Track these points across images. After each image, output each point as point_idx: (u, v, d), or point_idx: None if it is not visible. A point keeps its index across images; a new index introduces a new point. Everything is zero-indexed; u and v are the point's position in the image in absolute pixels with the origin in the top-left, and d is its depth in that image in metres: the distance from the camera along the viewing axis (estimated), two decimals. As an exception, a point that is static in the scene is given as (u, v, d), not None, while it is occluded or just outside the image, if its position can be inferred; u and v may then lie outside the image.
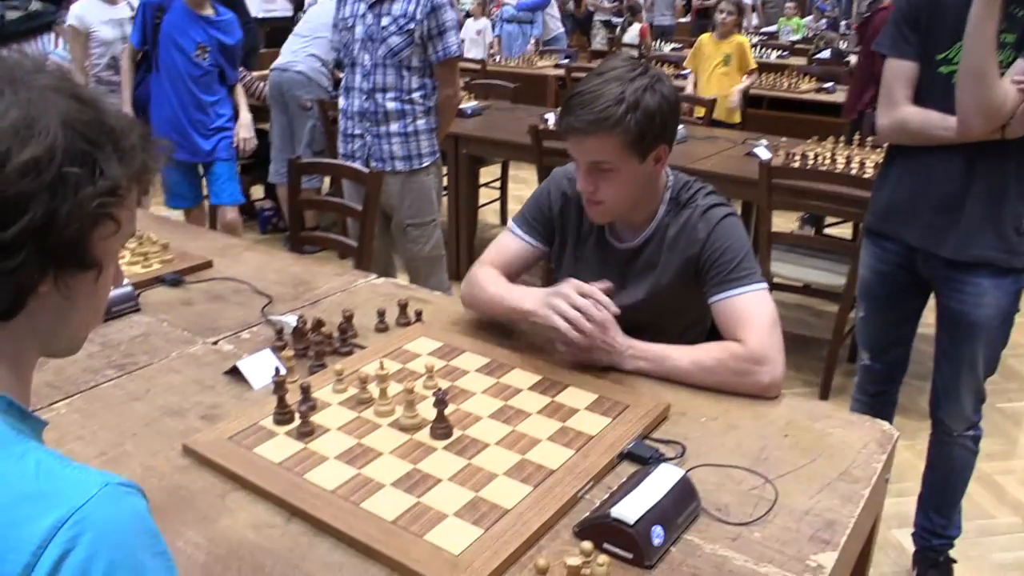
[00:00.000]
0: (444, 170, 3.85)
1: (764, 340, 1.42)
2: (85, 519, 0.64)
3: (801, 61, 6.80)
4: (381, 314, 1.71)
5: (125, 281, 1.84)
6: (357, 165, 2.83)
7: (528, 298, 1.52)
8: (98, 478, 0.67)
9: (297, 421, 1.31)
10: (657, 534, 1.04)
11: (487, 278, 1.67)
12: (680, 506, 1.10)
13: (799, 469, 1.23)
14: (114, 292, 1.80)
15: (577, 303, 1.44)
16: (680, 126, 3.81)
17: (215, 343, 1.67)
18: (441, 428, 1.29)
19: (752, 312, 1.46)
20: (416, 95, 2.87)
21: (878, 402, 2.23)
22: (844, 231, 4.33)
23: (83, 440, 1.32)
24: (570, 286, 1.46)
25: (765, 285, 1.50)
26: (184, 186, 3.77)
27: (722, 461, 1.25)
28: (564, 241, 1.73)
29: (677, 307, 1.63)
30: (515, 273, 1.76)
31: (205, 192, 3.89)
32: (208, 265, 2.08)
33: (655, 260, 1.61)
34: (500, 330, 1.69)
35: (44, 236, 0.68)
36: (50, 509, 0.64)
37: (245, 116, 3.80)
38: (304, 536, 1.10)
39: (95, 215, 0.71)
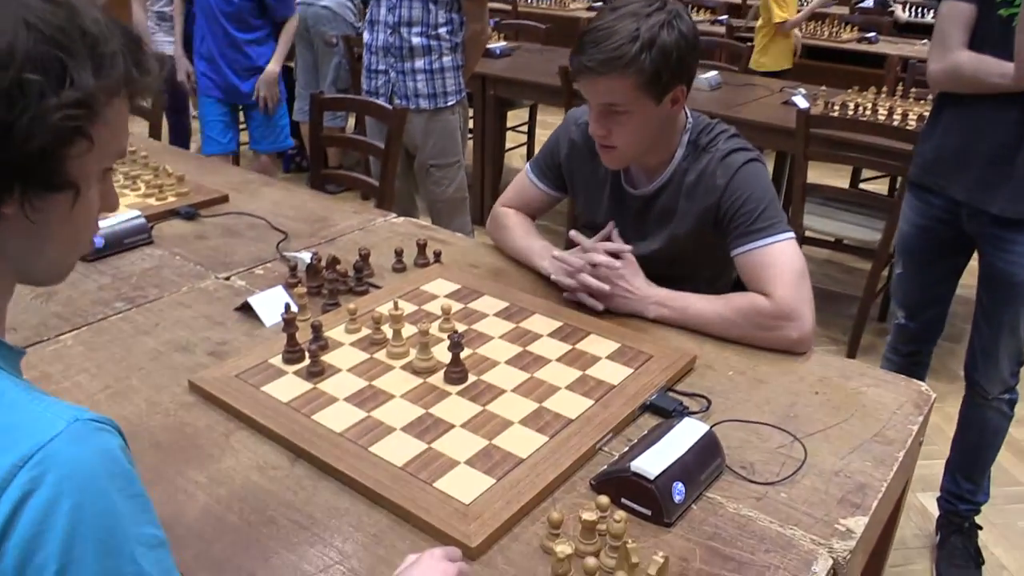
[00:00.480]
0: (470, 112, 3.76)
1: (792, 293, 1.35)
2: (50, 457, 0.59)
3: (843, 10, 6.53)
4: (399, 253, 1.65)
5: (138, 213, 1.79)
6: (380, 102, 2.75)
7: (546, 258, 1.57)
8: (67, 413, 0.62)
9: (307, 360, 1.27)
10: (678, 490, 0.99)
11: (513, 224, 1.70)
12: (703, 462, 1.04)
13: (830, 428, 1.17)
14: (127, 224, 1.77)
15: (587, 257, 1.45)
16: (714, 72, 3.72)
17: (227, 278, 1.62)
18: (456, 372, 1.24)
19: (778, 264, 1.38)
20: (442, 30, 2.77)
21: (910, 362, 2.15)
22: (880, 187, 4.19)
23: (88, 373, 1.29)
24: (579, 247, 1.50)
25: (791, 234, 1.41)
26: (218, 128, 3.50)
27: (749, 417, 1.19)
28: (577, 189, 1.68)
29: (697, 258, 1.56)
30: (536, 214, 1.76)
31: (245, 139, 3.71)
32: (224, 200, 2.03)
33: (672, 208, 1.53)
34: (521, 274, 1.63)
35: (2, 149, 0.61)
36: (13, 445, 0.59)
37: (270, 68, 3.39)
38: (309, 479, 1.06)
39: (62, 129, 0.63)
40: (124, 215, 1.78)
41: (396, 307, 1.32)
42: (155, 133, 3.05)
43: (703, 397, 1.23)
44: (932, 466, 2.30)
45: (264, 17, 3.38)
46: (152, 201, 1.97)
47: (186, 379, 1.26)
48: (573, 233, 1.55)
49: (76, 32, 0.64)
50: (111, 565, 0.60)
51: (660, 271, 1.50)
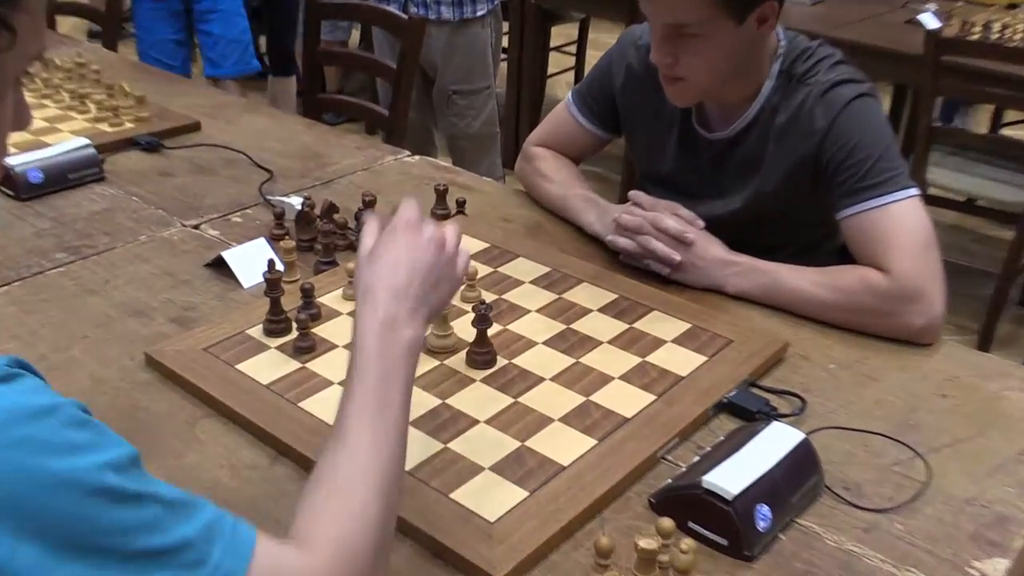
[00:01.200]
0: (505, 27, 3.72)
1: (916, 267, 1.31)
2: None
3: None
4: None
5: (86, 141, 1.79)
6: (393, 9, 2.71)
7: (593, 212, 1.57)
8: None
9: (294, 333, 1.27)
10: (763, 515, 0.96)
11: (550, 168, 1.69)
12: (796, 481, 1.02)
13: (961, 443, 1.14)
14: (73, 154, 1.77)
15: (652, 217, 1.43)
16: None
17: (196, 227, 1.63)
18: (481, 354, 1.22)
19: (898, 230, 1.34)
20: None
21: (1060, 359, 2.10)
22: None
23: (20, 340, 1.30)
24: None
25: (915, 191, 1.37)
26: (168, 49, 3.37)
27: (855, 424, 1.16)
28: (634, 130, 1.65)
29: (790, 221, 1.53)
30: (578, 157, 1.74)
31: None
32: (195, 128, 2.04)
33: (757, 156, 1.49)
34: (566, 231, 1.61)
35: None
36: None
37: None
38: (292, 483, 1.05)
39: None
40: (69, 143, 1.79)
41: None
42: (110, 43, 3.05)
43: (796, 396, 1.21)
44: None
45: None
46: (105, 127, 1.98)
47: (142, 351, 1.26)
48: (634, 193, 1.51)
49: None
50: (87, 503, 0.63)
51: (742, 236, 1.47)
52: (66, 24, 3.28)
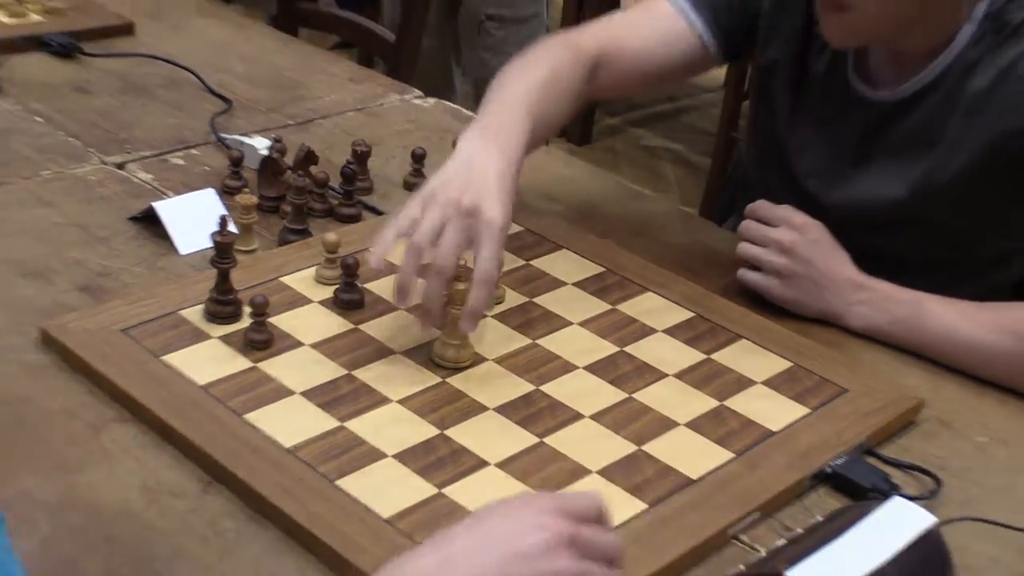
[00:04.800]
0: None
1: None
2: None
3: None
4: (417, 158, 1.68)
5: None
6: None
7: (470, 133, 1.41)
8: None
9: (246, 321, 1.31)
10: (865, 630, 1.00)
11: (533, 57, 1.58)
12: (916, 584, 1.05)
13: None
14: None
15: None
16: None
17: (121, 165, 1.68)
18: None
19: None
20: None
21: None
22: None
23: None
24: None
25: None
26: None
27: (1008, 518, 1.19)
28: (768, 67, 1.66)
29: (964, 228, 1.55)
30: (637, 77, 1.70)
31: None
32: (128, 30, 2.10)
33: (937, 130, 1.52)
34: (636, 218, 1.64)
35: None
36: None
37: None
38: (231, 519, 1.09)
39: None
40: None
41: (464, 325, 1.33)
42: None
43: (928, 475, 1.24)
44: None
45: None
46: (2, 18, 2.03)
47: (37, 325, 1.30)
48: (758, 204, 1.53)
49: None
50: None
51: (887, 244, 1.51)
52: None
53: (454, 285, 1.31)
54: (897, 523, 1.08)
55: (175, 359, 1.26)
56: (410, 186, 1.67)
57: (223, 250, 1.32)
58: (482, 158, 1.33)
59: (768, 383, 1.33)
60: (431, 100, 1.99)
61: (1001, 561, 1.15)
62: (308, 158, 1.60)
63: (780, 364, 1.36)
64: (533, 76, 1.49)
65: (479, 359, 1.30)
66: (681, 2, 1.64)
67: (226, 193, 1.56)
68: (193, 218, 1.50)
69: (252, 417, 1.19)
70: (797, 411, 1.29)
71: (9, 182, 1.60)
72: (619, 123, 4.52)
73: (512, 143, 1.36)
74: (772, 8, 1.63)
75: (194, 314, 1.33)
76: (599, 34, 1.63)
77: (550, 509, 0.88)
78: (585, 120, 4.19)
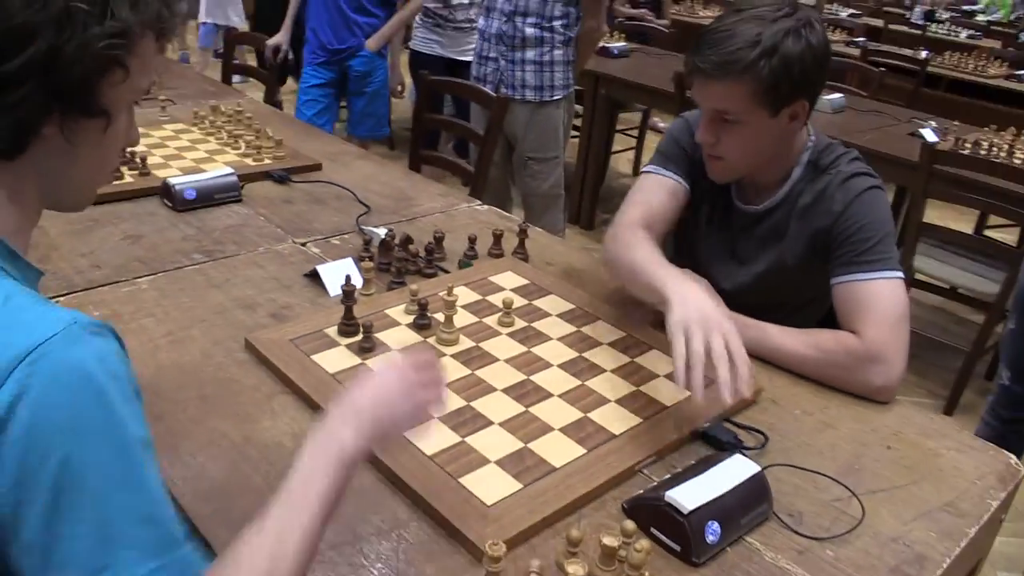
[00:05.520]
0: (579, 109, 3.71)
1: (884, 335, 1.25)
2: (46, 355, 0.62)
3: (996, 44, 6.13)
4: (472, 241, 1.62)
5: (231, 170, 1.84)
6: (486, 89, 2.74)
7: (672, 283, 1.19)
8: (66, 316, 0.65)
9: (360, 335, 1.26)
10: (713, 530, 0.92)
11: (633, 240, 1.38)
12: (747, 505, 0.97)
13: (896, 489, 1.08)
14: (220, 179, 1.81)
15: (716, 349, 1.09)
16: (838, 94, 3.53)
17: (303, 244, 1.64)
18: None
19: (877, 302, 1.28)
20: (557, 23, 2.73)
21: (1010, 430, 1.99)
22: (1008, 235, 3.90)
23: (155, 317, 1.32)
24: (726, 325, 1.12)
25: (900, 274, 1.31)
26: (315, 108, 3.40)
27: (807, 463, 1.11)
28: (692, 189, 1.56)
29: (798, 285, 1.47)
30: (666, 222, 1.51)
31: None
32: (317, 167, 2.06)
33: (782, 230, 1.44)
34: (594, 278, 1.58)
35: (48, 72, 0.66)
36: (12, 342, 0.62)
37: (368, 43, 3.33)
38: (339, 455, 1.04)
39: (103, 57, 0.68)
40: (218, 171, 1.83)
41: (450, 293, 1.29)
42: (270, 98, 3.14)
43: (761, 433, 1.15)
44: (1020, 544, 2.12)
45: (382, 3, 3.34)
46: (249, 161, 2.02)
47: (243, 337, 1.27)
48: None
49: None
50: (112, 458, 0.63)
51: (755, 297, 1.43)
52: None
53: (450, 293, 1.29)
54: (738, 468, 1.01)
55: (319, 357, 1.22)
56: (467, 257, 1.61)
57: (347, 295, 1.28)
58: (698, 295, 1.16)
59: (667, 376, 1.25)
60: (486, 207, 1.94)
61: (802, 488, 1.07)
62: (407, 240, 1.56)
63: (676, 365, 1.28)
64: (653, 248, 1.35)
65: (494, 359, 1.25)
66: (657, 169, 1.52)
67: (359, 260, 1.52)
68: (339, 274, 1.45)
69: (358, 393, 1.14)
70: (683, 393, 1.20)
71: (241, 253, 1.57)
72: (611, 216, 4.43)
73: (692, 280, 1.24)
74: (691, 150, 1.51)
75: (332, 331, 1.29)
76: (644, 216, 1.45)
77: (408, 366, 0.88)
78: (591, 213, 4.12)
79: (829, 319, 1.40)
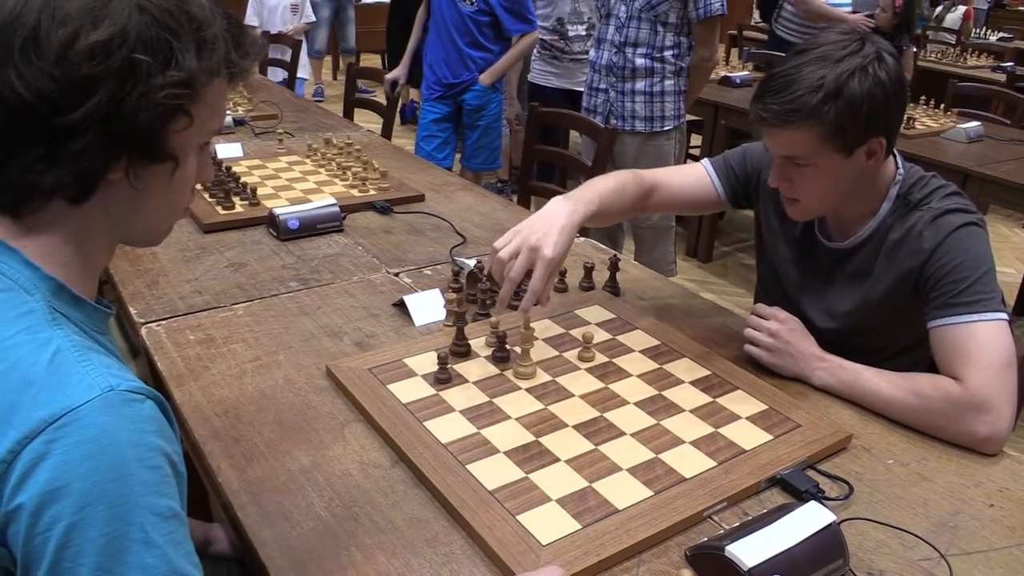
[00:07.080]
0: (695, 139, 3.66)
1: (990, 382, 1.16)
2: (76, 421, 0.63)
3: None
4: (562, 273, 1.62)
5: (334, 201, 1.92)
6: (596, 120, 2.75)
7: (556, 200, 1.33)
8: (105, 381, 0.66)
9: (436, 367, 1.28)
10: (776, 585, 0.87)
11: (617, 176, 1.48)
12: (817, 560, 0.92)
13: (995, 551, 0.99)
14: (323, 210, 1.90)
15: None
16: (976, 123, 3.32)
17: (396, 274, 1.69)
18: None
19: (980, 346, 1.19)
20: (668, 53, 2.71)
21: None
22: None
23: (245, 343, 1.39)
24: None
25: (1004, 315, 1.22)
26: (433, 143, 3.53)
27: (895, 518, 1.03)
28: (763, 217, 1.55)
29: (889, 327, 1.39)
30: (673, 202, 1.59)
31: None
32: (420, 199, 2.12)
33: (868, 268, 1.37)
34: (687, 315, 1.54)
35: (110, 122, 0.68)
36: (46, 403, 0.64)
37: (481, 78, 3.42)
38: (403, 484, 1.06)
39: (166, 106, 0.69)
40: (323, 201, 1.92)
41: (526, 326, 1.29)
42: (386, 132, 3.26)
43: (846, 483, 1.09)
44: None
45: (498, 38, 3.42)
46: (355, 192, 2.10)
47: (326, 364, 1.31)
48: (757, 306, 1.41)
49: (183, 16, 0.70)
50: (118, 529, 0.63)
51: (844, 337, 1.37)
52: (360, 115, 3.53)
53: (527, 326, 1.30)
54: (810, 518, 0.96)
55: (395, 387, 1.25)
56: (557, 290, 1.61)
57: (459, 316, 1.35)
58: (555, 213, 1.29)
59: (749, 419, 1.21)
60: (582, 239, 1.94)
61: (887, 545, 1.00)
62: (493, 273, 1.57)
63: (760, 406, 1.23)
64: (609, 181, 1.46)
65: (569, 394, 1.24)
66: (711, 170, 1.57)
67: (446, 291, 1.54)
68: (425, 305, 1.50)
69: (428, 423, 1.16)
70: (764, 437, 1.16)
71: (335, 283, 1.63)
72: (731, 249, 4.32)
73: (580, 211, 1.32)
74: (757, 177, 1.53)
75: (412, 361, 1.31)
76: (658, 174, 1.56)
77: None
78: (709, 245, 4.03)
79: (934, 371, 1.31)
